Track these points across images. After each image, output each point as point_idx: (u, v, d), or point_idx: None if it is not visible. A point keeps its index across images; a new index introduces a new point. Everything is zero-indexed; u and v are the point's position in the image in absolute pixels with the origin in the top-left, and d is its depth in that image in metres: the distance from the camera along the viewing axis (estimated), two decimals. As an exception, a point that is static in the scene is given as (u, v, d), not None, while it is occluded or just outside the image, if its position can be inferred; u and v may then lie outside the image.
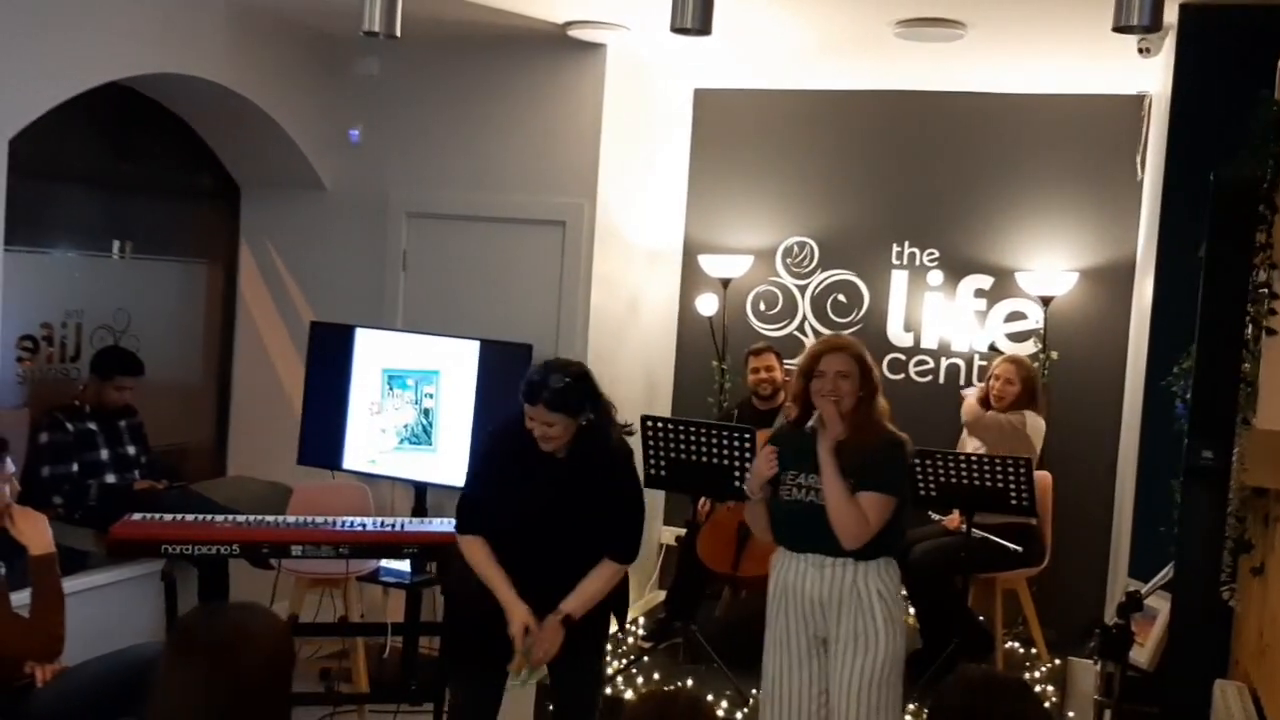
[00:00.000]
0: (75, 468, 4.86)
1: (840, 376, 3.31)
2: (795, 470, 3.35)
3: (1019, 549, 4.84)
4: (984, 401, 5.25)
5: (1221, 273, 2.58)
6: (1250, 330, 2.58)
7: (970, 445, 5.21)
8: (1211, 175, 2.62)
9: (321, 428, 5.27)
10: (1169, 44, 4.24)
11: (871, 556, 3.30)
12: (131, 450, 5.09)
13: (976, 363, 5.75)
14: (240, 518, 4.52)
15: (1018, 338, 5.74)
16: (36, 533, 3.17)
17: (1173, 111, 4.01)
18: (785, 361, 5.52)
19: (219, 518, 4.49)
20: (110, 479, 4.94)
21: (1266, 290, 2.40)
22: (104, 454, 4.96)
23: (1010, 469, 4.63)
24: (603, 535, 3.40)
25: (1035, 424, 5.12)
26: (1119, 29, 2.43)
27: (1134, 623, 3.36)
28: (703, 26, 2.78)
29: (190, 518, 4.45)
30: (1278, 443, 2.54)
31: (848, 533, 3.24)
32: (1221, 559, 2.89)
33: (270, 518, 4.42)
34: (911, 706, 4.37)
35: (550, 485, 3.34)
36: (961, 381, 5.75)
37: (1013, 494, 4.65)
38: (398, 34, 3.95)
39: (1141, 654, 3.60)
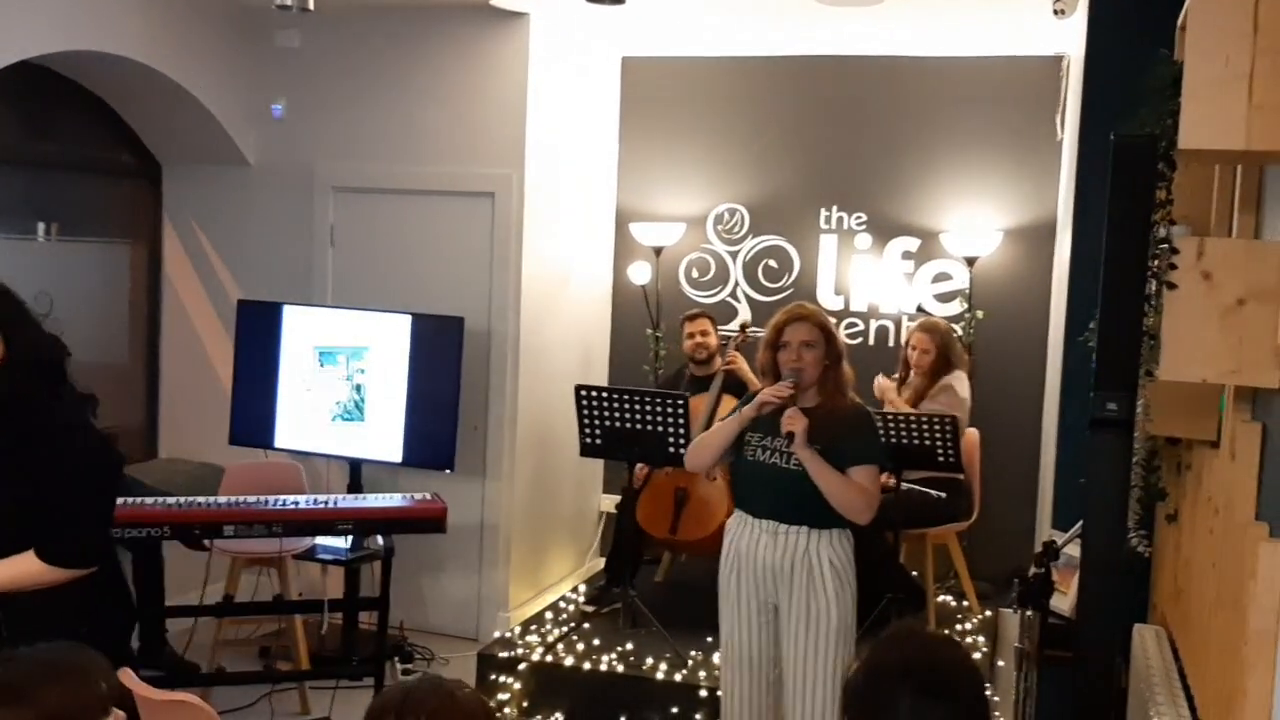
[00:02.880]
0: (1, 454, 4.78)
1: (805, 346, 3.36)
2: (761, 433, 3.41)
3: (942, 495, 4.94)
4: (903, 378, 5.31)
5: (1123, 229, 2.64)
6: (1152, 285, 2.65)
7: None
8: (1112, 135, 2.68)
9: (252, 407, 5.25)
10: (1083, 5, 4.31)
11: (826, 526, 3.35)
12: (58, 435, 5.01)
13: (905, 324, 5.83)
14: (171, 499, 4.49)
15: (944, 298, 5.83)
16: None
17: (1086, 72, 4.07)
18: (720, 327, 5.60)
19: (150, 500, 4.47)
20: (37, 465, 4.87)
21: (1167, 246, 2.47)
22: (30, 439, 4.88)
23: (937, 427, 4.74)
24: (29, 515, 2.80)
25: (961, 386, 5.21)
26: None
27: (1056, 572, 3.45)
28: (616, -4, 2.78)
29: (122, 501, 4.42)
30: (1180, 393, 2.63)
31: (857, 511, 3.32)
32: (1128, 508, 2.97)
33: (202, 499, 4.41)
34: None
35: None
36: (891, 342, 5.84)
37: (940, 451, 4.76)
38: (311, 7, 3.92)
39: (1064, 602, 3.70)
